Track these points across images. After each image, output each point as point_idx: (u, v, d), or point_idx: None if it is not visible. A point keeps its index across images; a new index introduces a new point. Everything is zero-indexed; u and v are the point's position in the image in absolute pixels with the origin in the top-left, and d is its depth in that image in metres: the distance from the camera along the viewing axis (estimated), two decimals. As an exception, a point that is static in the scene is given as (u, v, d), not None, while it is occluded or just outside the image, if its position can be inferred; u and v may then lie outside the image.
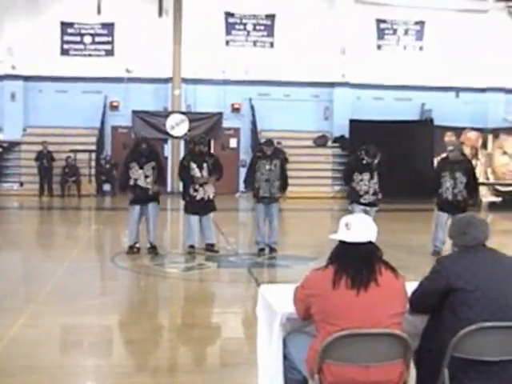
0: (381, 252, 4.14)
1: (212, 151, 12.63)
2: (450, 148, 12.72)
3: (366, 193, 12.06)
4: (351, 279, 3.96)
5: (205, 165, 12.16)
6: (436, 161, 22.23)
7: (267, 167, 12.14)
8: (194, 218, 12.21)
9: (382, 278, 4.00)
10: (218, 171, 12.40)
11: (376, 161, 12.02)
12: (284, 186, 12.43)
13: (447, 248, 11.16)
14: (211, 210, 12.32)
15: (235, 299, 8.94)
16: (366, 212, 11.87)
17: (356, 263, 4.01)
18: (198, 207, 12.16)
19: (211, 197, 12.24)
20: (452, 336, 4.01)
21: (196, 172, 12.07)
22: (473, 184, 12.52)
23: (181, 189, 22.39)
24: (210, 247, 12.32)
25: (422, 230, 14.72)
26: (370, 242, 4.11)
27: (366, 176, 12.03)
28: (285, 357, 4.40)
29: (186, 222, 12.50)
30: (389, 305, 3.98)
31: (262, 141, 13.96)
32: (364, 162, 12.01)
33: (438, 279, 4.26)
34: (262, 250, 12.35)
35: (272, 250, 12.38)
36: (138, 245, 12.09)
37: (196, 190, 12.11)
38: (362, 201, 12.08)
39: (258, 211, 12.40)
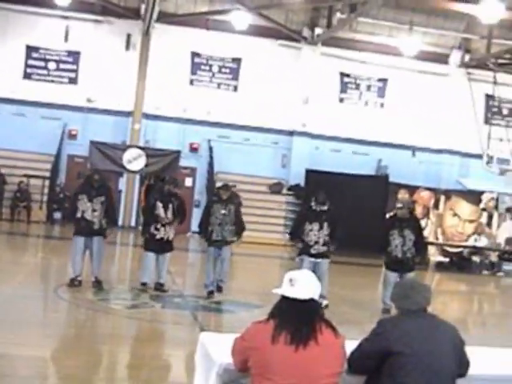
0: (322, 310, 4.14)
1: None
2: (399, 205, 12.80)
3: (316, 243, 11.94)
4: (290, 335, 3.94)
5: (170, 205, 12.21)
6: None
7: (222, 211, 12.17)
8: (151, 256, 12.17)
9: (322, 337, 3.99)
10: (182, 214, 12.44)
11: (325, 208, 12.00)
12: (240, 230, 12.47)
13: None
14: (169, 250, 12.31)
15: (177, 342, 8.85)
16: (315, 264, 11.89)
17: (297, 320, 3.99)
18: (157, 246, 12.14)
19: (171, 238, 12.26)
20: (387, 399, 4.02)
21: (161, 212, 12.09)
22: (421, 242, 12.67)
23: (132, 223, 22.21)
24: (160, 286, 12.25)
25: (370, 285, 14.82)
26: (313, 300, 4.11)
27: (316, 226, 11.95)
28: (219, 408, 4.36)
29: (143, 258, 12.44)
30: (327, 364, 3.97)
31: (218, 184, 14.00)
32: (313, 208, 12.03)
33: (377, 341, 4.27)
34: (210, 292, 12.29)
35: (219, 288, 12.34)
36: (79, 278, 11.95)
37: (157, 229, 12.12)
38: (312, 251, 11.94)
39: (208, 254, 12.40)
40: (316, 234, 11.96)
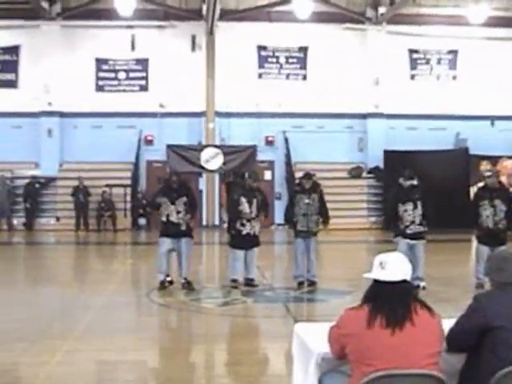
0: (416, 291, 4.08)
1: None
2: (488, 173, 12.43)
3: (412, 222, 11.69)
4: (386, 319, 3.90)
5: (254, 200, 12.19)
6: (472, 190, 22.01)
7: (306, 201, 12.11)
8: (240, 253, 12.19)
9: (418, 317, 3.94)
10: (265, 207, 12.45)
11: (415, 182, 11.80)
12: (326, 219, 12.39)
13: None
14: (256, 244, 12.31)
15: (272, 335, 8.86)
16: (411, 247, 11.71)
17: (391, 303, 3.95)
18: (244, 241, 12.15)
19: (257, 232, 12.25)
20: (491, 376, 3.93)
21: (245, 207, 12.09)
22: None
23: (216, 222, 22.35)
24: (250, 281, 12.29)
25: (460, 262, 14.56)
26: (405, 281, 4.06)
27: (410, 206, 11.69)
28: (321, 397, 4.35)
29: (231, 255, 12.47)
30: (425, 344, 3.91)
31: (299, 174, 13.89)
32: (402, 185, 11.81)
33: (474, 317, 4.19)
34: (301, 283, 12.29)
35: (312, 283, 12.31)
36: (169, 278, 12.07)
37: (243, 225, 12.11)
38: (408, 231, 11.69)
39: (296, 245, 12.36)
40: (411, 213, 11.68)
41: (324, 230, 12.70)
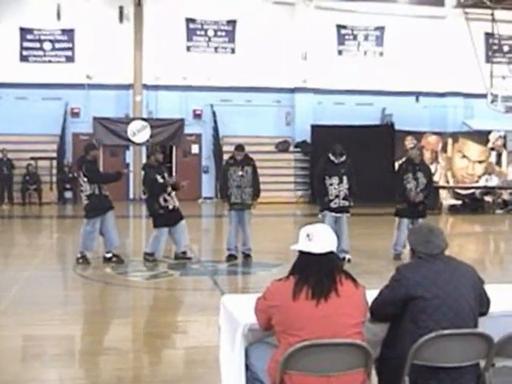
0: (342, 262, 4.17)
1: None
2: (410, 145, 12.76)
3: (337, 197, 11.81)
4: (312, 290, 3.98)
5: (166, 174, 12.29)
6: (397, 165, 22.40)
7: (239, 173, 12.10)
8: (166, 229, 12.16)
9: (343, 288, 4.04)
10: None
11: (342, 159, 11.92)
12: (256, 192, 12.40)
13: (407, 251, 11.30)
14: (181, 218, 12.30)
15: (199, 308, 8.91)
16: (337, 220, 11.89)
17: (317, 274, 4.03)
18: (171, 217, 12.14)
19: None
20: (412, 344, 4.06)
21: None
22: (431, 186, 12.74)
23: (143, 196, 22.29)
24: (182, 255, 12.29)
25: (383, 235, 14.82)
26: (331, 252, 4.15)
27: (335, 180, 11.82)
28: (247, 367, 4.41)
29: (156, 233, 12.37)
30: (349, 315, 4.01)
31: (227, 148, 13.84)
32: (332, 160, 11.93)
33: (397, 288, 4.31)
34: (231, 256, 12.32)
35: (247, 256, 12.35)
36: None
37: (166, 200, 12.06)
38: (333, 205, 11.82)
39: (230, 218, 12.33)
40: (336, 187, 11.82)
41: (254, 205, 12.73)
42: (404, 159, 13.63)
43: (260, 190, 12.50)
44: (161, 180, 11.96)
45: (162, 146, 13.20)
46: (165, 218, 11.98)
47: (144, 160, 26.25)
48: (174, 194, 12.10)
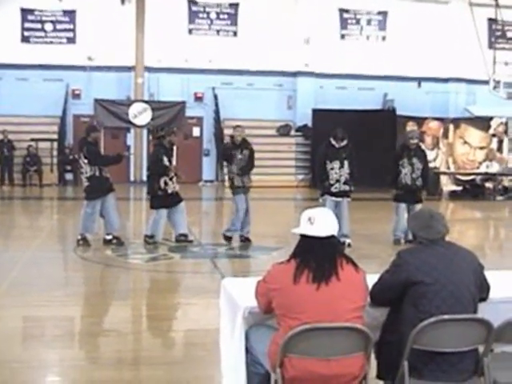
0: (342, 246, 4.18)
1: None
2: (409, 130, 12.74)
3: (337, 181, 11.82)
4: (312, 273, 3.99)
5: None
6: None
7: (239, 157, 12.10)
8: (164, 211, 12.14)
9: (343, 272, 4.04)
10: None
11: (343, 143, 11.89)
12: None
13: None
14: (180, 200, 12.28)
15: (199, 290, 8.91)
16: (337, 204, 11.89)
17: (318, 257, 4.04)
18: (170, 200, 12.12)
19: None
20: (412, 328, 4.07)
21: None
22: (427, 172, 12.73)
23: (144, 178, 22.18)
24: (184, 237, 12.30)
25: (384, 219, 14.82)
26: (333, 236, 4.15)
27: (336, 164, 11.79)
28: (247, 350, 4.42)
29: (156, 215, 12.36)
30: (349, 299, 4.03)
31: (228, 131, 13.76)
32: (332, 146, 11.92)
33: (398, 272, 4.31)
34: (231, 238, 12.34)
35: (246, 239, 12.35)
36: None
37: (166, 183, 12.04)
38: (333, 190, 11.81)
39: (237, 201, 12.20)
40: (337, 172, 11.81)
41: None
42: (400, 144, 13.63)
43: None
44: (166, 162, 11.95)
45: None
46: (163, 200, 11.98)
47: (145, 143, 26.44)
48: (174, 179, 12.07)
